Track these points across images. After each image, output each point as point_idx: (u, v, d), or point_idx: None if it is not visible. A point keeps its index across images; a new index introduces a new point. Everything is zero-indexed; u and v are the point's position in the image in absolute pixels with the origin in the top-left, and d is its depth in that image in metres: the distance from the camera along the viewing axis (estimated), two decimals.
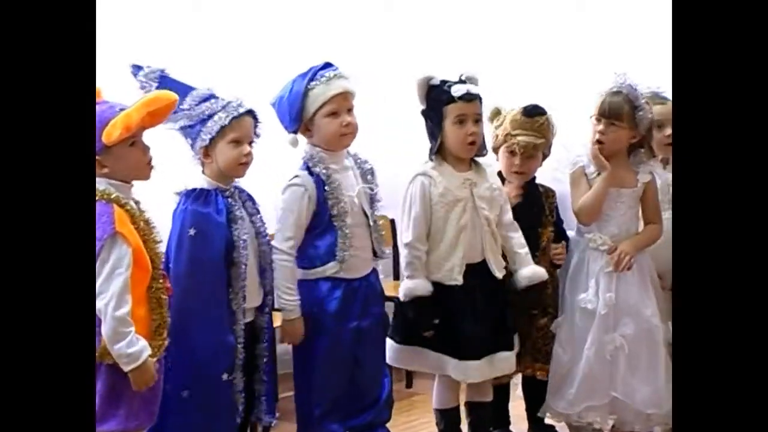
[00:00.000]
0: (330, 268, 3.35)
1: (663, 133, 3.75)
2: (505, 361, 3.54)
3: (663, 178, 3.74)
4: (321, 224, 3.34)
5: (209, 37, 4.32)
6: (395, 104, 4.16)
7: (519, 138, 3.64)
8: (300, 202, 3.31)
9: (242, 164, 3.15)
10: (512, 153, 3.67)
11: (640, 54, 4.44)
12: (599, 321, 3.57)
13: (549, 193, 3.80)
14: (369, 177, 3.47)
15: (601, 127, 3.59)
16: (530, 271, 3.52)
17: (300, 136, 3.41)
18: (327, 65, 3.38)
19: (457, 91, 3.41)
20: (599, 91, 3.62)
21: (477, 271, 3.48)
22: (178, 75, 3.13)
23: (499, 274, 3.51)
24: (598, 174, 3.62)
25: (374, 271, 3.51)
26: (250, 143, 3.17)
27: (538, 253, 3.67)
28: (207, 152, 3.14)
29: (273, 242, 3.31)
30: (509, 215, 3.57)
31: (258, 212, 3.27)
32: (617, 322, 3.57)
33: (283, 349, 3.50)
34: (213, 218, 3.09)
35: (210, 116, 3.10)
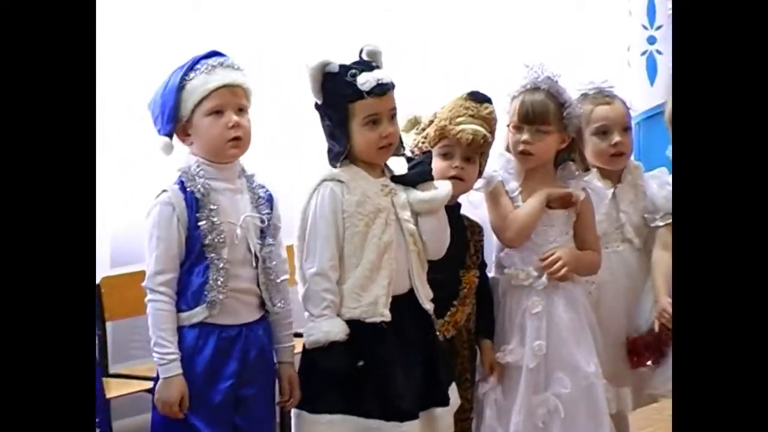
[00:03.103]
0: (198, 314, 2.59)
1: (609, 140, 3.19)
2: (442, 420, 2.79)
3: (604, 195, 3.14)
4: (190, 256, 2.59)
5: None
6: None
7: (464, 126, 2.91)
8: (169, 225, 2.57)
9: None
10: (446, 156, 2.95)
11: (576, 43, 4.23)
12: (527, 377, 2.95)
13: (475, 228, 3.07)
14: (262, 206, 2.69)
15: (525, 135, 2.97)
16: None
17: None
18: (213, 53, 2.68)
19: (365, 83, 2.65)
20: (509, 92, 3.04)
21: (404, 303, 2.73)
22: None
23: (429, 306, 2.78)
24: (521, 192, 3.03)
25: (263, 322, 2.69)
26: None
27: (456, 302, 2.96)
28: None
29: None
30: None
31: None
32: (549, 377, 2.96)
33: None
34: None
35: None
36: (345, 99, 2.67)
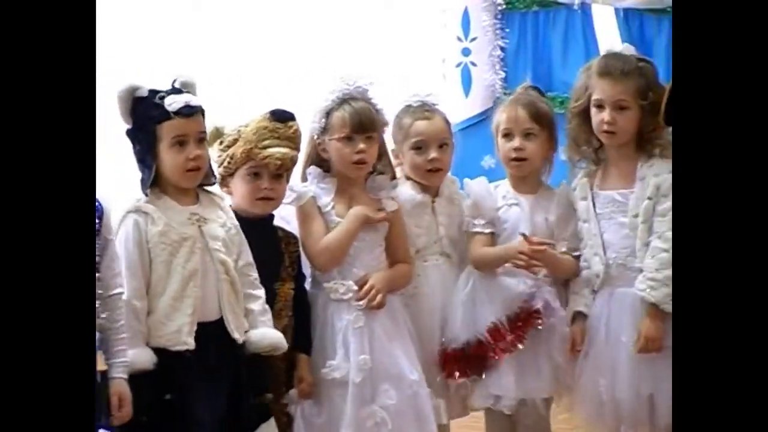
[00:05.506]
0: None
1: (425, 156, 3.13)
2: None
3: (415, 201, 3.14)
4: None
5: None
6: None
7: (271, 150, 2.90)
8: None
9: None
10: (256, 175, 2.94)
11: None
12: (354, 392, 2.92)
13: (290, 239, 3.05)
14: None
15: (361, 145, 2.97)
16: (259, 335, 2.81)
17: None
18: None
19: (172, 104, 2.68)
20: (320, 105, 3.03)
21: (211, 331, 2.73)
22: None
23: (239, 335, 2.77)
24: (333, 206, 3.01)
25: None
26: None
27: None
28: None
29: None
30: (251, 268, 2.86)
31: None
32: (375, 390, 2.95)
33: None
34: None
35: None
36: (152, 121, 2.70)
